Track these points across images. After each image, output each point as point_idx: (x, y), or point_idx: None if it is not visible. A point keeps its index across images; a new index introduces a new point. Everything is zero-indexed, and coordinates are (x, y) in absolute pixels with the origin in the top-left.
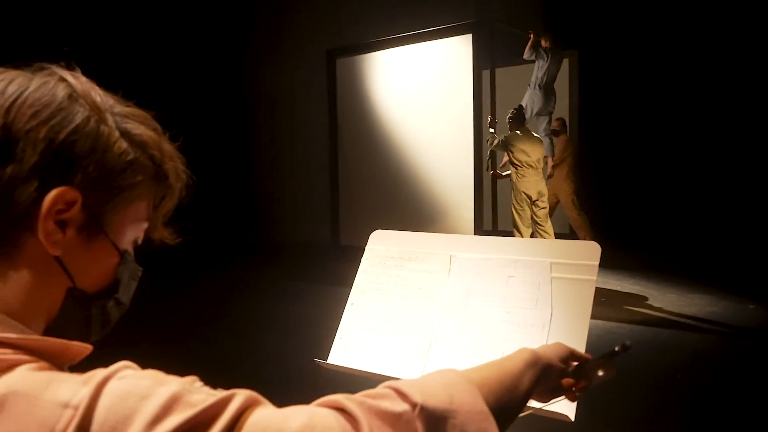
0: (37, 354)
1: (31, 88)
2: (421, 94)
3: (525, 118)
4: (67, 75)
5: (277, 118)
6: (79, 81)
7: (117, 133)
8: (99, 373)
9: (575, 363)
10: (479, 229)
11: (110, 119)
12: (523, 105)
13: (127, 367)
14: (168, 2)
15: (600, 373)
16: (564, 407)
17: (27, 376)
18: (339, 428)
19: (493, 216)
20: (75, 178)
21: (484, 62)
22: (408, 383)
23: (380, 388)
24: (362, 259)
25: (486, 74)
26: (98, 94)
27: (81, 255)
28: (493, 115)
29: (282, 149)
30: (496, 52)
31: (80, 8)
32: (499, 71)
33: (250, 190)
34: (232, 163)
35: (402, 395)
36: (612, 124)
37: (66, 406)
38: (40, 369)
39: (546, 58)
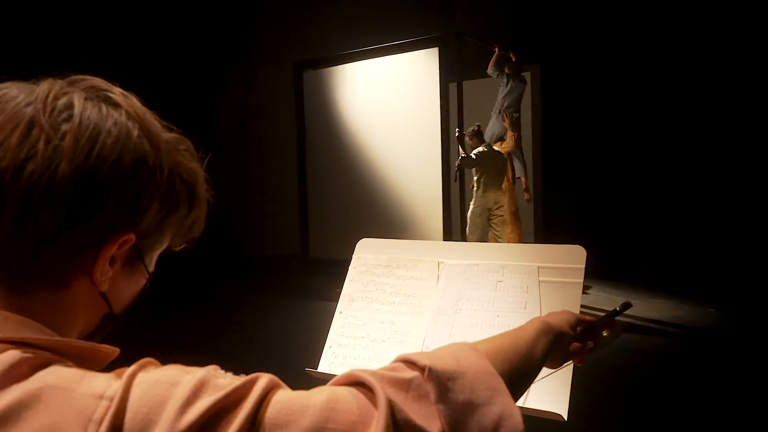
0: (67, 356)
1: (107, 125)
2: (389, 106)
3: (483, 134)
4: (127, 105)
5: (244, 131)
6: (137, 111)
7: (169, 172)
8: (127, 369)
9: (580, 328)
10: (448, 239)
11: (165, 158)
12: (487, 129)
13: (151, 362)
14: (133, 15)
15: (605, 334)
16: (557, 406)
17: (61, 371)
18: (356, 402)
19: (461, 226)
20: (137, 223)
21: (450, 75)
22: (416, 353)
23: (392, 362)
24: (350, 267)
25: (453, 87)
26: (152, 123)
27: (121, 284)
28: (460, 128)
29: (250, 162)
30: (462, 65)
31: (52, 13)
32: (466, 84)
33: (217, 203)
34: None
35: (411, 363)
36: (574, 136)
37: (101, 397)
38: (69, 367)
39: (505, 84)
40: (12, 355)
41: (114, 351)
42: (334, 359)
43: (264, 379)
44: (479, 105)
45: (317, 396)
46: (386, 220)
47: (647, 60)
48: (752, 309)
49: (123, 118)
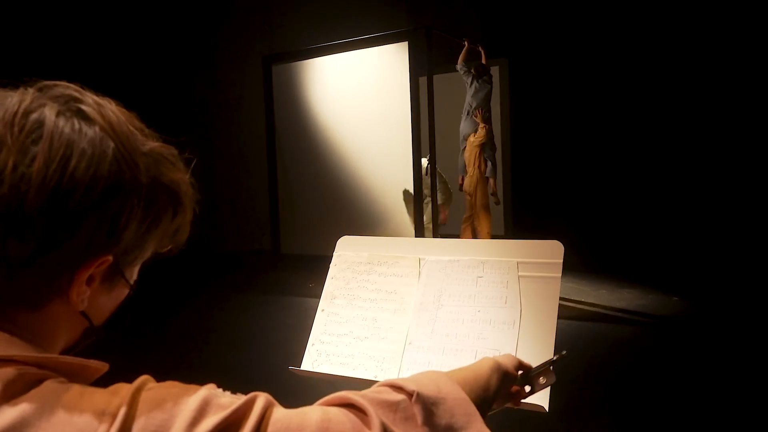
0: (58, 372)
1: (80, 145)
2: (359, 101)
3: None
4: (102, 118)
5: (213, 127)
6: (112, 123)
7: (148, 185)
8: (126, 386)
9: (520, 372)
10: (420, 234)
11: (144, 171)
12: (460, 129)
13: (149, 379)
14: (97, 9)
15: (541, 380)
16: (538, 398)
17: (58, 389)
18: (349, 422)
19: (433, 220)
20: (113, 245)
21: (420, 69)
22: (400, 379)
23: (376, 387)
24: (331, 265)
25: (423, 81)
26: (129, 135)
27: (101, 300)
28: (431, 120)
29: (219, 158)
30: (432, 59)
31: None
32: (436, 78)
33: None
34: None
35: (397, 388)
36: (541, 129)
37: (102, 413)
38: (63, 383)
39: (470, 84)
40: (6, 372)
41: (103, 366)
42: (317, 357)
43: (262, 398)
44: (449, 99)
45: (311, 415)
46: (357, 215)
47: (615, 54)
48: (713, 298)
49: (97, 134)
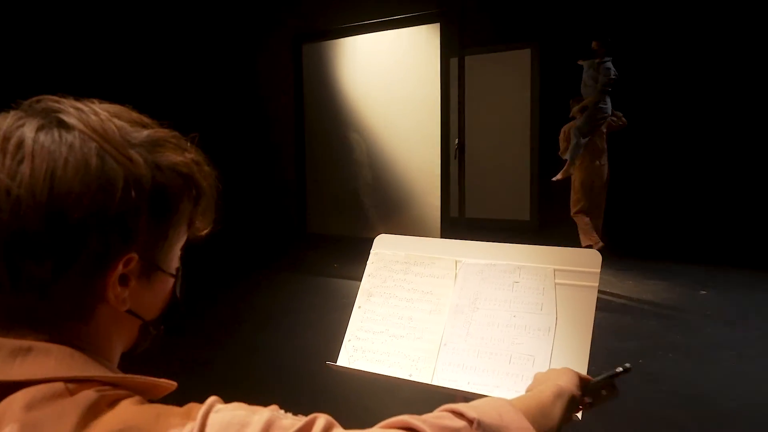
0: (131, 390)
1: (63, 155)
2: (389, 81)
3: None
4: (82, 123)
5: (241, 105)
6: (93, 125)
7: (151, 174)
8: (196, 407)
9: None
10: (446, 217)
11: (140, 161)
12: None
13: (217, 401)
14: None
15: (603, 393)
16: None
17: (135, 410)
18: None
19: (460, 203)
20: (131, 242)
21: (452, 50)
22: (461, 405)
23: (437, 412)
24: (368, 263)
25: (454, 62)
26: (116, 130)
27: (144, 296)
28: (461, 102)
29: (247, 137)
30: (464, 40)
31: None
32: (467, 59)
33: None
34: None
35: (458, 414)
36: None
37: None
38: (139, 403)
39: (596, 68)
40: (88, 395)
41: (171, 385)
42: (353, 353)
43: (322, 419)
44: (480, 81)
45: None
46: (384, 196)
47: (649, 36)
48: (741, 292)
49: (77, 138)
